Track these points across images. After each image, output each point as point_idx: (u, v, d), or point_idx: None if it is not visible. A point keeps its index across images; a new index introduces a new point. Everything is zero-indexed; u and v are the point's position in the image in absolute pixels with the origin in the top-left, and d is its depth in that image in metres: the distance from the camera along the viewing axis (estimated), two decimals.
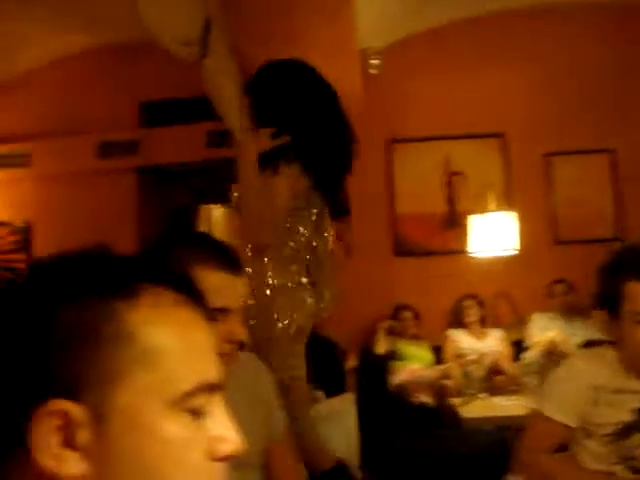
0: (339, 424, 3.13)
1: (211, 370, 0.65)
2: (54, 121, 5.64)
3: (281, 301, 2.30)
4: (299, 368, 2.39)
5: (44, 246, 5.56)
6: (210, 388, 0.64)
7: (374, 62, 5.39)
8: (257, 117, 2.44)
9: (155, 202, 5.66)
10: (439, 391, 4.24)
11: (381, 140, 5.47)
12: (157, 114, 5.59)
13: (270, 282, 2.30)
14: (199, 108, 5.28)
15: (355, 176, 5.24)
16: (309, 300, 2.40)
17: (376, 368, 4.40)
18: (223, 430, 0.65)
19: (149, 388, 0.60)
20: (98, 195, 5.46)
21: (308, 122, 2.40)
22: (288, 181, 2.27)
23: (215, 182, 5.55)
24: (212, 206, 6.08)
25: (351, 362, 4.41)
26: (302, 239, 2.42)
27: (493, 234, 4.69)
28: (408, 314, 4.90)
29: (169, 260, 1.16)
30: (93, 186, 5.47)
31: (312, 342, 4.51)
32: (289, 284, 2.34)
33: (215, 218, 6.26)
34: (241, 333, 1.17)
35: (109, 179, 5.43)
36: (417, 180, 5.43)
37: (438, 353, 4.78)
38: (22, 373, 0.59)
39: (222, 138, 5.06)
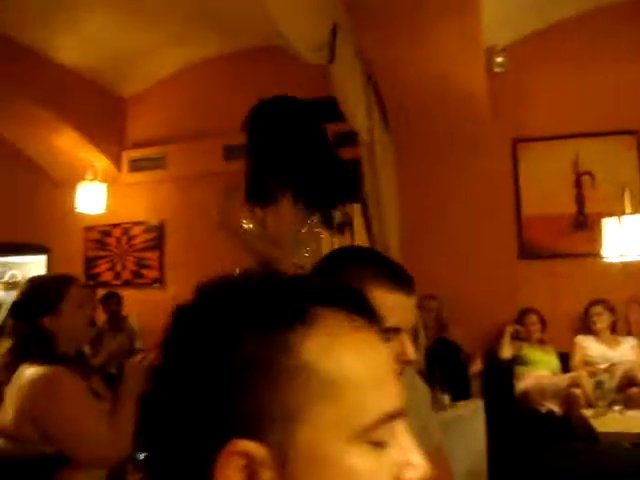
0: (464, 430, 3.10)
1: (394, 397, 0.61)
2: (186, 125, 5.93)
3: None
4: None
5: (175, 244, 5.87)
6: (393, 417, 0.60)
7: (498, 60, 5.27)
8: (251, 150, 2.63)
9: None
10: (568, 400, 4.08)
11: (506, 140, 5.33)
12: None
13: None
14: (323, 110, 5.37)
15: (479, 177, 5.20)
16: None
17: (501, 373, 4.31)
18: (409, 456, 0.61)
19: (332, 422, 0.57)
20: None
21: (296, 155, 2.56)
22: (285, 206, 2.46)
23: None
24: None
25: (475, 366, 4.34)
26: (306, 255, 2.58)
27: (627, 237, 4.45)
28: (534, 318, 4.76)
29: (339, 278, 1.15)
30: (221, 187, 5.67)
31: (438, 346, 4.51)
32: None
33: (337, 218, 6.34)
34: (412, 353, 1.16)
35: (236, 180, 5.61)
36: (544, 180, 5.25)
37: (565, 360, 4.61)
38: (205, 412, 0.57)
39: (347, 139, 5.11)
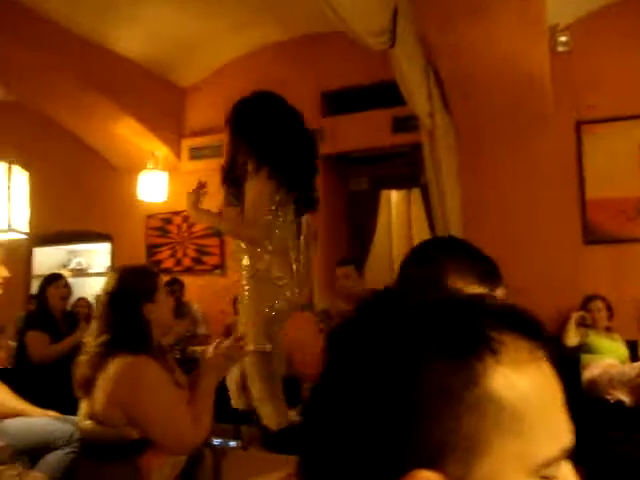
0: None
1: (568, 433, 0.58)
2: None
3: (265, 290, 2.89)
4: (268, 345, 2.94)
5: None
6: (567, 453, 0.58)
7: (562, 39, 5.11)
8: (232, 137, 3.02)
9: (338, 188, 5.82)
10: (638, 390, 3.98)
11: (570, 121, 5.19)
12: (339, 102, 5.71)
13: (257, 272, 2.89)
14: (381, 95, 5.34)
15: (542, 160, 5.08)
16: (287, 294, 2.97)
17: (567, 361, 4.22)
18: None
19: (514, 456, 0.55)
20: None
21: (274, 134, 2.93)
22: (260, 182, 2.83)
23: (398, 167, 5.63)
24: (392, 191, 6.14)
25: None
26: (278, 241, 2.95)
27: None
28: (600, 305, 4.64)
29: (431, 270, 1.16)
30: None
31: None
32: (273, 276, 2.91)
33: (395, 203, 6.31)
34: None
35: None
36: (609, 163, 5.09)
37: (633, 348, 4.48)
38: (381, 439, 0.54)
39: (406, 123, 5.08)
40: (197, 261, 6.13)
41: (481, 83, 4.55)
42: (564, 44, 5.08)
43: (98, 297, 2.10)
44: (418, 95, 4.29)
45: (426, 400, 0.54)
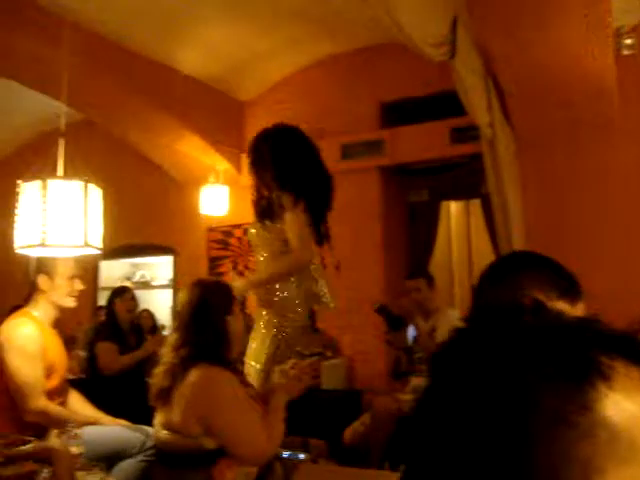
0: None
1: None
2: (302, 126, 6.01)
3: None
4: None
5: None
6: None
7: (627, 42, 4.99)
8: (261, 170, 3.04)
9: (397, 199, 5.82)
10: None
11: (637, 127, 5.05)
12: (398, 113, 5.71)
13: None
14: (440, 105, 5.32)
15: (609, 169, 4.95)
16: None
17: None
18: None
19: None
20: (343, 194, 5.71)
21: (307, 169, 3.06)
22: (300, 215, 2.92)
23: (458, 178, 5.58)
24: (452, 202, 6.09)
25: None
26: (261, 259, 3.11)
27: None
28: None
29: (513, 284, 1.15)
30: (338, 186, 5.73)
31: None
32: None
33: (454, 214, 6.26)
34: None
35: (353, 179, 5.68)
36: None
37: None
38: (496, 465, 0.53)
39: (465, 134, 5.04)
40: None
41: (542, 90, 4.48)
42: (629, 47, 4.95)
43: (177, 310, 2.15)
44: (478, 105, 4.26)
45: (539, 425, 0.53)
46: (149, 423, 2.96)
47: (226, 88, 6.22)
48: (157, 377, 2.04)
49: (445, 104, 5.15)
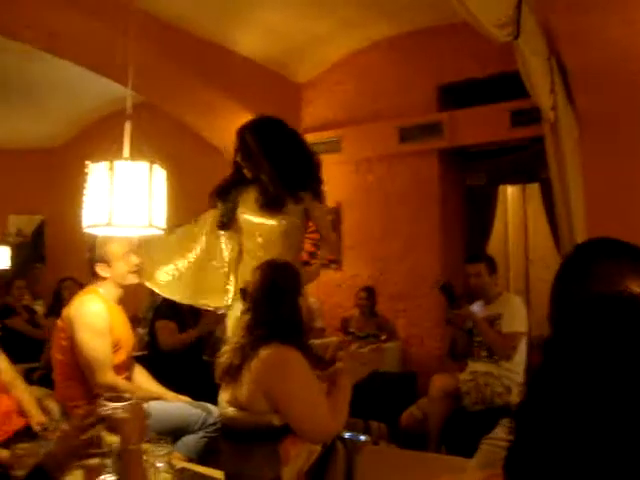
0: None
1: None
2: (359, 109, 6.01)
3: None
4: None
5: (351, 226, 6.00)
6: None
7: None
8: (259, 162, 3.07)
9: (455, 183, 5.75)
10: None
11: None
12: (456, 96, 5.63)
13: None
14: (499, 87, 5.22)
15: None
16: None
17: None
18: None
19: None
20: (400, 177, 5.71)
21: (312, 162, 3.20)
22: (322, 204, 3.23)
23: (517, 161, 5.48)
24: (508, 187, 5.98)
25: None
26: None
27: None
28: None
29: (594, 272, 1.13)
30: (396, 169, 5.73)
31: None
32: None
33: (510, 199, 6.15)
34: None
35: (410, 161, 5.65)
36: None
37: None
38: (625, 449, 0.55)
39: (525, 117, 4.94)
40: (313, 255, 6.21)
41: (609, 71, 4.34)
42: None
43: (246, 290, 2.18)
44: (541, 87, 4.15)
45: None
46: (207, 399, 3.05)
47: (283, 70, 6.23)
48: (226, 355, 2.08)
49: (504, 86, 5.05)
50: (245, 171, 3.16)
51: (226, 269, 3.20)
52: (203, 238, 3.28)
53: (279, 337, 2.00)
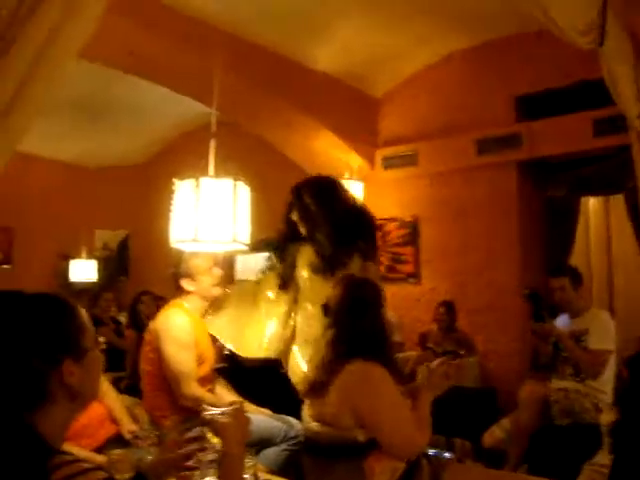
0: None
1: None
2: (435, 122, 5.98)
3: None
4: None
5: (428, 239, 5.95)
6: None
7: None
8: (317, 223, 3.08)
9: (534, 195, 5.62)
10: None
11: None
12: (534, 106, 5.52)
13: None
14: (580, 97, 5.08)
15: None
16: None
17: None
18: None
19: None
20: (478, 190, 5.63)
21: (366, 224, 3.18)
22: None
23: (600, 172, 5.30)
24: (590, 198, 5.81)
25: None
26: None
27: None
28: None
29: None
30: (473, 181, 5.66)
31: None
32: None
33: (592, 210, 5.96)
34: None
35: (488, 174, 5.56)
36: None
37: None
38: None
39: (609, 125, 4.79)
40: (391, 269, 6.19)
41: None
42: None
43: (328, 306, 2.20)
44: (627, 95, 4.02)
45: None
46: (286, 412, 3.09)
47: (360, 84, 6.27)
48: (313, 371, 2.11)
49: (586, 95, 4.91)
50: (301, 229, 3.19)
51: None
52: (262, 302, 3.33)
53: (362, 353, 2.01)
